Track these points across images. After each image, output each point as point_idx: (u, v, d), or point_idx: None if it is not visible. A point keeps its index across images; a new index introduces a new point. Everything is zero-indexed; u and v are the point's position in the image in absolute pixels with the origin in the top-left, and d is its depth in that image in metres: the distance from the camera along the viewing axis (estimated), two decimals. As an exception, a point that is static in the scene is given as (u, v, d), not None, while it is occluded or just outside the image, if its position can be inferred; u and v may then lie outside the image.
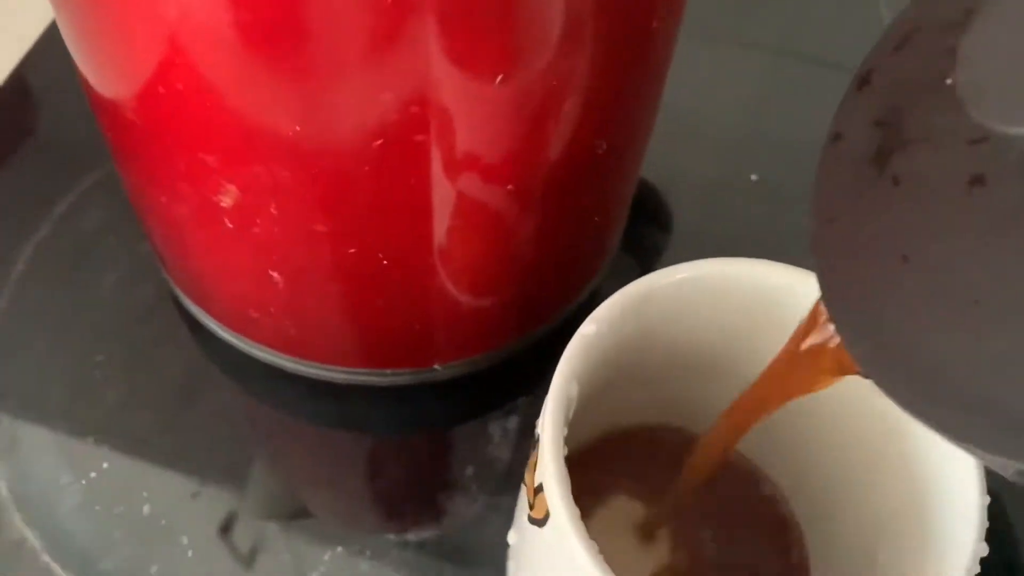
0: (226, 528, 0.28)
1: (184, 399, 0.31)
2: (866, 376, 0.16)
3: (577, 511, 0.19)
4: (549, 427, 0.20)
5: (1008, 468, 0.14)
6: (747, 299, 0.23)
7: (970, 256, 0.15)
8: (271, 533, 0.29)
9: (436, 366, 0.29)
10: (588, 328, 0.21)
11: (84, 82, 0.23)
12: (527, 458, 0.31)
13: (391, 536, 0.29)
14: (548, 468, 0.20)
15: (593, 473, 0.27)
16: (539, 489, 0.20)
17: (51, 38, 0.38)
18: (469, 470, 0.30)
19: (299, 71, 0.19)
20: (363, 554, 0.29)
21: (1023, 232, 0.14)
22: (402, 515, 0.30)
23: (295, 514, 0.30)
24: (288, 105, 0.20)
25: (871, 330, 0.16)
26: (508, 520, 0.26)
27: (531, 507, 0.21)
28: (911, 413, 0.15)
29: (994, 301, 0.14)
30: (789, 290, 0.22)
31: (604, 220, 0.29)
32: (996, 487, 0.31)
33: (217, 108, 0.20)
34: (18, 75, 0.37)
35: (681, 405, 0.26)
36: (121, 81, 0.21)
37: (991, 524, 0.31)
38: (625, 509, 0.27)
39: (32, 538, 0.28)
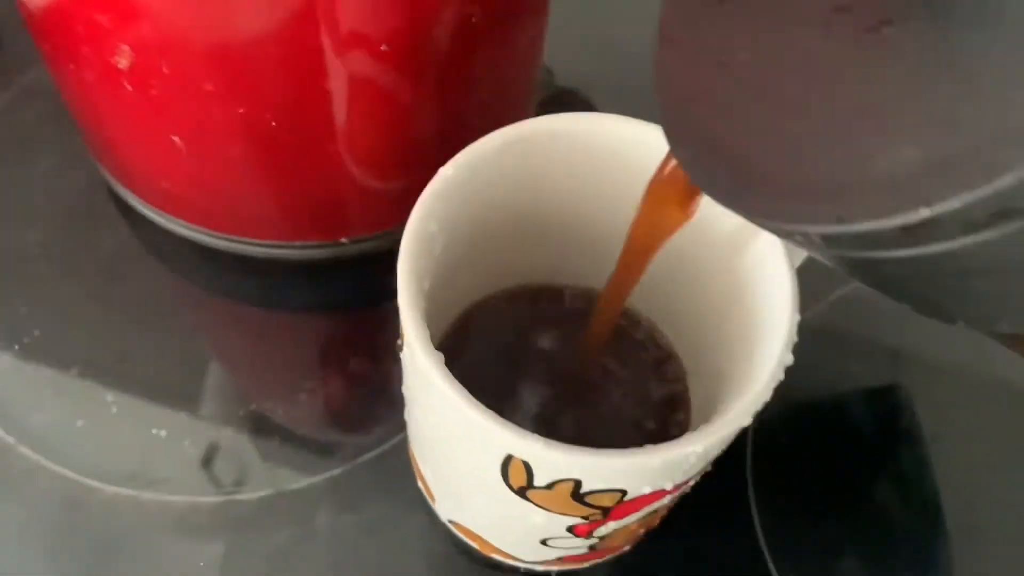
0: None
1: (112, 274, 0.33)
2: (693, 180, 0.18)
3: (425, 330, 0.21)
4: (404, 258, 0.22)
5: (811, 240, 0.16)
6: (603, 152, 0.25)
7: (768, 55, 0.17)
8: (187, 394, 0.31)
9: (343, 240, 0.31)
10: (446, 171, 0.23)
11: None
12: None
13: (303, 396, 0.31)
14: (402, 295, 0.22)
15: (474, 335, 0.29)
16: (401, 321, 0.23)
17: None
18: (381, 338, 0.32)
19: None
20: (275, 412, 0.31)
21: (796, 20, 0.16)
22: (318, 379, 0.32)
23: (210, 380, 0.32)
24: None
25: (693, 135, 0.18)
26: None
27: (400, 338, 0.24)
28: (728, 206, 0.17)
29: (790, 93, 0.16)
30: (644, 142, 0.24)
31: (500, 100, 0.31)
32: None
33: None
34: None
35: (556, 263, 0.28)
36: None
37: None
38: (510, 366, 0.29)
39: (-33, 396, 0.30)
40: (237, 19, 0.23)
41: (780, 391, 0.21)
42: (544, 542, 0.26)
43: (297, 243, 0.31)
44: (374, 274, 0.33)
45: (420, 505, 0.30)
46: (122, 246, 0.34)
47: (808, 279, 0.23)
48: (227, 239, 0.31)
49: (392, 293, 0.33)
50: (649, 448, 0.20)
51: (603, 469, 0.20)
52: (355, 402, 0.32)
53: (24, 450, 0.29)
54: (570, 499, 0.22)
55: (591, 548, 0.26)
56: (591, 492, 0.21)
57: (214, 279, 0.33)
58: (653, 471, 0.20)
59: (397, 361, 0.32)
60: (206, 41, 0.23)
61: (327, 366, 0.32)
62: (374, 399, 0.32)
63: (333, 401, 0.32)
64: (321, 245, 0.31)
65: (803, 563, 0.30)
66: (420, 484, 0.29)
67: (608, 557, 0.29)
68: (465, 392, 0.20)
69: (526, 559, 0.28)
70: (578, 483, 0.21)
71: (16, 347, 0.31)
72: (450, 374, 0.20)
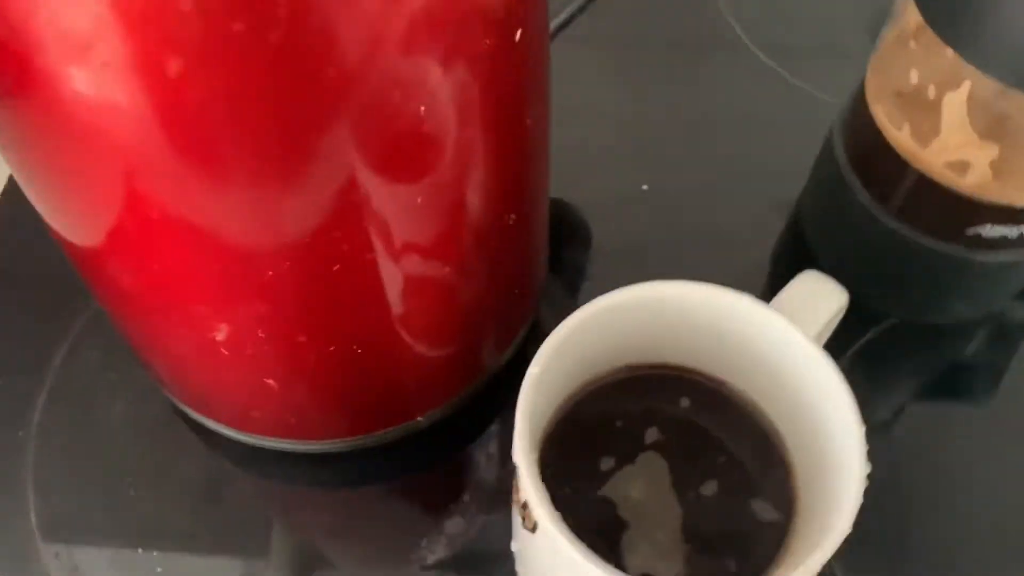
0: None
1: (208, 495, 0.35)
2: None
3: (558, 516, 0.24)
4: (521, 459, 0.25)
5: None
6: (654, 312, 0.28)
7: None
8: (314, 590, 0.34)
9: (419, 418, 0.34)
10: (533, 370, 0.26)
11: (77, 262, 0.28)
12: (510, 472, 0.36)
13: (414, 567, 0.34)
14: (529, 490, 0.25)
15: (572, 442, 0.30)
16: (525, 505, 0.26)
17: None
18: (465, 496, 0.35)
19: (274, 237, 0.24)
20: (393, 585, 0.34)
21: None
22: (416, 548, 0.35)
23: (322, 568, 0.35)
24: (267, 256, 0.24)
25: None
26: (508, 529, 0.31)
27: (523, 519, 0.27)
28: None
29: None
30: (689, 300, 0.28)
31: (529, 264, 0.34)
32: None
33: (199, 270, 0.25)
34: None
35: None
36: (117, 267, 0.26)
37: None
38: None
39: (113, 646, 0.32)
40: (326, 283, 0.26)
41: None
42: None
43: (378, 432, 0.34)
44: (442, 438, 0.37)
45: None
46: (209, 467, 0.36)
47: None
48: (314, 444, 0.34)
49: (461, 447, 0.36)
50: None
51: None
52: (460, 561, 0.34)
53: None
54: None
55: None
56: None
57: (301, 476, 0.36)
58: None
59: (488, 512, 0.35)
60: (299, 306, 0.26)
61: (425, 532, 0.35)
62: (477, 553, 0.35)
63: (440, 563, 0.34)
64: (402, 427, 0.34)
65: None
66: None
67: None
68: (619, 573, 0.23)
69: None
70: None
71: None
72: (598, 558, 0.24)
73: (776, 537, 0.29)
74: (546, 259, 0.37)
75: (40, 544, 0.34)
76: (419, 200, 0.25)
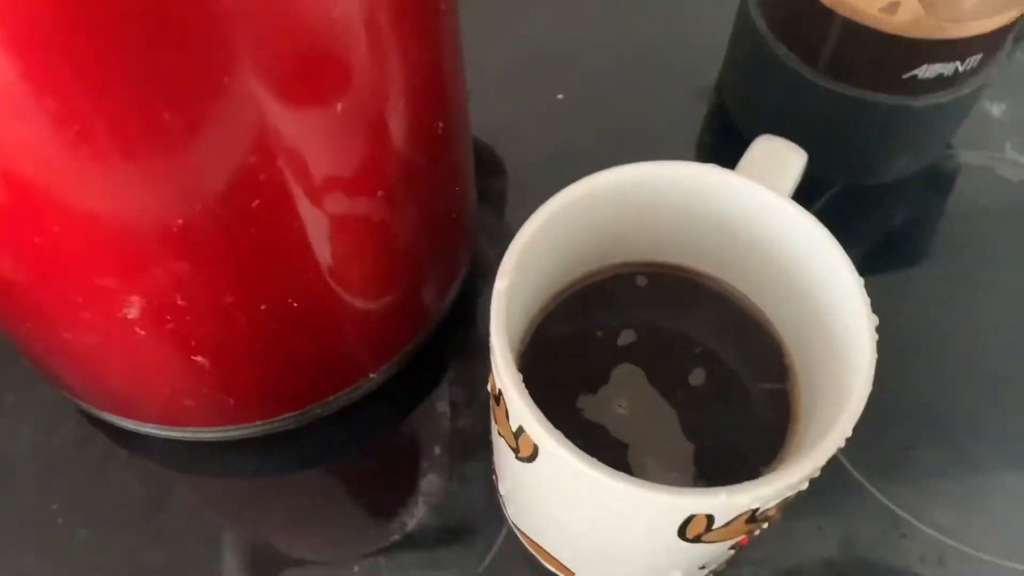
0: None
1: (148, 509, 0.31)
2: None
3: (560, 434, 0.22)
4: (508, 381, 0.22)
5: None
6: (611, 203, 0.26)
7: None
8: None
9: (372, 375, 0.31)
10: (500, 283, 0.23)
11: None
12: (479, 416, 0.33)
13: (396, 536, 0.31)
14: (522, 413, 0.22)
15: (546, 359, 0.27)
16: (519, 432, 0.23)
17: None
18: (436, 450, 0.32)
19: (176, 172, 0.20)
20: (386, 553, 0.30)
21: None
22: (395, 517, 0.31)
23: (294, 564, 0.31)
24: (172, 200, 0.21)
25: None
26: (486, 476, 0.29)
27: (516, 450, 0.24)
28: None
29: None
30: (648, 181, 0.26)
31: (461, 183, 0.31)
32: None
33: (94, 234, 0.21)
34: None
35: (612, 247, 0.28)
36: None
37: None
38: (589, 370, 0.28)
39: None
40: (247, 224, 0.22)
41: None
42: (703, 567, 0.27)
43: (331, 398, 0.31)
44: (399, 392, 0.33)
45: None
46: (145, 476, 0.32)
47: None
48: (262, 425, 0.30)
49: (421, 399, 0.33)
50: (800, 464, 0.21)
51: (779, 492, 0.21)
52: (445, 515, 0.32)
53: None
54: (744, 524, 0.23)
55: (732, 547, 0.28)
56: (765, 511, 0.22)
57: (250, 467, 0.32)
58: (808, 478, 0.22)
59: (465, 461, 0.32)
60: (222, 259, 0.23)
61: (403, 494, 0.32)
62: (459, 505, 0.32)
63: (423, 526, 0.31)
64: (356, 388, 0.31)
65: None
66: (553, 568, 0.30)
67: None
68: (639, 481, 0.21)
69: (681, 589, 0.29)
70: (755, 510, 0.22)
71: (95, 624, 0.29)
72: (614, 470, 0.21)
73: (781, 416, 0.27)
74: (474, 185, 0.34)
75: (-37, 601, 0.29)
76: (339, 108, 0.21)
